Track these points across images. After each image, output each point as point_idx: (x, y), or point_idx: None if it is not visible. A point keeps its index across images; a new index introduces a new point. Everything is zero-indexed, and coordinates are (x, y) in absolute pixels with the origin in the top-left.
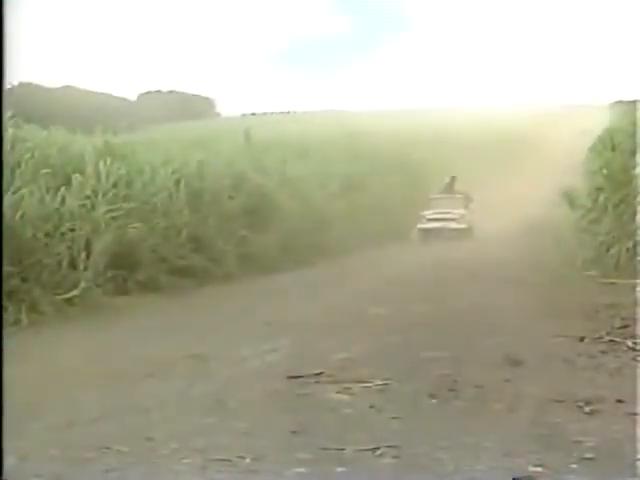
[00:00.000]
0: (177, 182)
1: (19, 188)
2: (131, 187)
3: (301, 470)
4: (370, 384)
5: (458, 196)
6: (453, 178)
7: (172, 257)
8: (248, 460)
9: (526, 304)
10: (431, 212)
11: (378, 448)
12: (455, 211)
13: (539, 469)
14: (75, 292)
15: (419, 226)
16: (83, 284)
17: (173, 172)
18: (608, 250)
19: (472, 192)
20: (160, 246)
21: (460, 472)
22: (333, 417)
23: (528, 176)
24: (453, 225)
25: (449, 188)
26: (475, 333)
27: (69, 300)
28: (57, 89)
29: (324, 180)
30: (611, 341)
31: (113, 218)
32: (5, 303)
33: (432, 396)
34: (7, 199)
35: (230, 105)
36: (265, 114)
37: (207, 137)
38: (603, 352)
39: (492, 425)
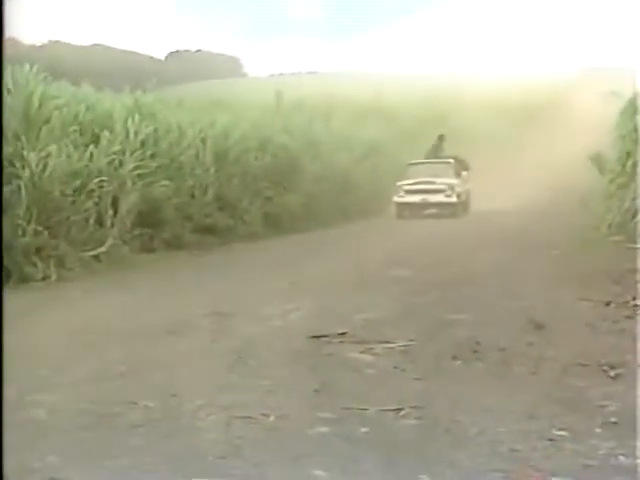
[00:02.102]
0: (203, 141)
1: (47, 145)
2: (158, 145)
3: (324, 429)
4: (393, 345)
5: (448, 161)
6: (441, 137)
7: (197, 215)
8: (272, 418)
9: (551, 268)
10: (410, 182)
11: (401, 409)
12: (442, 180)
13: (563, 433)
14: (102, 249)
15: (395, 199)
16: (110, 241)
17: (200, 131)
18: (634, 216)
19: (494, 157)
20: (186, 204)
21: (483, 434)
22: (356, 377)
23: (557, 140)
24: (439, 198)
25: (436, 151)
26: (499, 297)
27: (96, 257)
28: (86, 47)
29: (349, 142)
30: (636, 306)
31: (140, 176)
32: (34, 259)
33: (455, 358)
34: (35, 155)
35: (257, 65)
36: (292, 74)
37: (234, 97)
38: (628, 317)
39: (515, 388)
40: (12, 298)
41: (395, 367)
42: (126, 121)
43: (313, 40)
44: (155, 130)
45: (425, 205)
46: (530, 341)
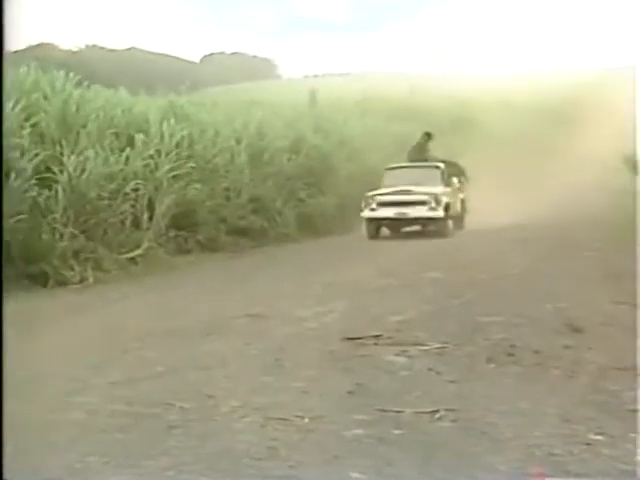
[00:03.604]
0: (238, 142)
1: (85, 149)
2: (193, 147)
3: (359, 431)
4: (428, 347)
5: (435, 165)
6: (427, 136)
7: (232, 217)
8: (306, 420)
9: (585, 269)
10: (385, 191)
11: (436, 411)
12: (423, 189)
13: (599, 437)
14: (138, 251)
15: (364, 214)
16: (146, 243)
17: (234, 133)
18: None
19: (520, 156)
20: (220, 206)
21: (519, 438)
22: (391, 379)
23: (586, 140)
24: (420, 212)
25: (420, 151)
26: (534, 298)
27: (132, 259)
28: (122, 51)
29: (382, 141)
30: None
31: (175, 178)
32: (71, 262)
33: (490, 360)
34: (73, 159)
35: (291, 66)
36: (326, 75)
37: (268, 98)
38: None
39: (551, 391)
40: (50, 301)
41: (430, 369)
42: (161, 124)
43: (346, 41)
44: (190, 132)
45: (403, 221)
46: (566, 344)
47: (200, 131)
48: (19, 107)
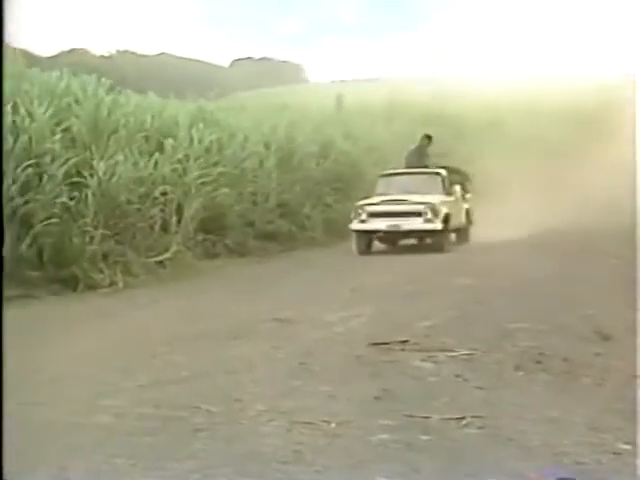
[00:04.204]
0: (267, 147)
1: (115, 153)
2: (222, 152)
3: (385, 437)
4: (455, 353)
5: (435, 172)
6: (427, 139)
7: (260, 222)
8: (333, 425)
9: (612, 277)
10: (377, 200)
11: (463, 418)
12: (419, 198)
13: (628, 446)
14: (167, 255)
15: (353, 226)
16: (174, 247)
17: (263, 137)
18: None
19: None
20: (248, 211)
21: (547, 446)
22: (418, 385)
23: (617, 144)
24: (415, 224)
25: (419, 156)
26: (560, 306)
27: (161, 263)
28: (153, 56)
29: (405, 145)
30: None
31: (203, 183)
32: (101, 265)
33: (518, 368)
34: (103, 164)
35: (319, 71)
36: (353, 80)
37: (296, 103)
38: None
39: (579, 399)
40: (80, 305)
41: (457, 375)
42: (190, 128)
43: (374, 46)
44: (219, 137)
45: (397, 234)
46: (595, 351)
47: (229, 136)
48: (50, 112)
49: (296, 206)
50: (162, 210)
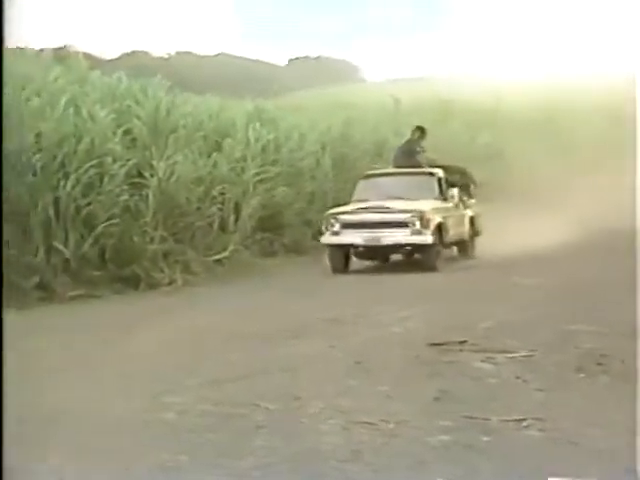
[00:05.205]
0: (323, 147)
1: (174, 153)
2: (279, 151)
3: (445, 438)
4: (515, 354)
5: (429, 172)
6: (419, 132)
7: (317, 221)
8: (391, 425)
9: None
10: (353, 208)
11: (524, 420)
12: (404, 205)
13: None
14: (225, 254)
15: (325, 239)
16: (232, 246)
17: (320, 136)
18: None
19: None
20: (305, 210)
21: (610, 449)
22: (477, 386)
23: None
24: (398, 236)
25: (408, 153)
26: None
27: (219, 261)
28: (211, 57)
29: (466, 147)
30: None
31: (261, 181)
32: (161, 264)
33: (579, 370)
34: (163, 163)
35: (375, 70)
36: (409, 79)
37: (352, 102)
38: None
39: None
40: (141, 303)
41: (517, 377)
42: (247, 128)
43: (430, 45)
44: (276, 136)
45: (378, 249)
46: None
47: (286, 135)
48: (112, 114)
49: None
50: (220, 209)
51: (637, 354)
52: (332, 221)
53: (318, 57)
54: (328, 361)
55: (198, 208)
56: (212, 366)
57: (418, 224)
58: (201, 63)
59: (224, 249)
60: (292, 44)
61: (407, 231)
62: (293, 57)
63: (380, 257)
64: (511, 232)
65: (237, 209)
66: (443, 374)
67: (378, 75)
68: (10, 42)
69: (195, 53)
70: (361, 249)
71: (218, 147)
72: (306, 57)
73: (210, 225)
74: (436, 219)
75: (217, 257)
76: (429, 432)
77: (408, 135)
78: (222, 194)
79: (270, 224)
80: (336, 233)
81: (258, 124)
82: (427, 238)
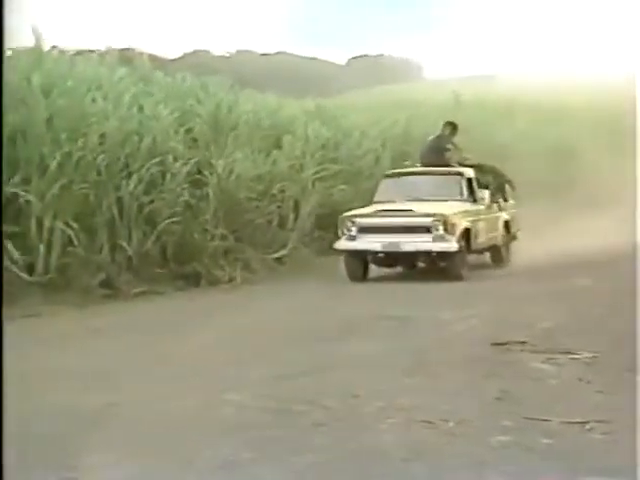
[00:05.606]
0: (383, 145)
1: (234, 151)
2: (338, 149)
3: (505, 438)
4: (577, 356)
5: (456, 171)
6: (450, 127)
7: None
8: (451, 424)
9: None
10: (371, 210)
11: (587, 422)
12: (429, 208)
13: None
14: (284, 252)
15: (339, 244)
16: (291, 244)
17: (381, 134)
18: None
19: None
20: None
21: None
22: (538, 387)
23: None
24: (419, 243)
25: (437, 150)
26: None
27: (278, 259)
28: (271, 55)
29: (531, 146)
30: None
31: (320, 180)
32: (221, 262)
33: None
34: (222, 162)
35: (437, 68)
36: (472, 77)
37: (413, 100)
38: None
39: None
40: (202, 299)
41: (579, 379)
42: (307, 126)
43: (491, 44)
44: (335, 134)
45: (398, 256)
46: None
47: (345, 133)
48: (174, 113)
49: None
50: (279, 207)
51: None
52: (348, 224)
53: (379, 55)
54: (388, 359)
55: (257, 206)
56: (272, 363)
57: (441, 229)
58: (261, 61)
59: (283, 247)
60: (353, 42)
61: (429, 236)
62: (353, 55)
63: (402, 264)
64: (573, 233)
65: (296, 207)
66: (503, 374)
67: (440, 73)
68: (75, 44)
69: (255, 51)
70: (380, 255)
71: (277, 145)
72: (366, 55)
73: (269, 223)
74: (462, 223)
75: (276, 255)
76: (489, 432)
77: (470, 132)
78: (281, 192)
79: (329, 222)
80: (352, 238)
81: (318, 122)
82: (451, 245)
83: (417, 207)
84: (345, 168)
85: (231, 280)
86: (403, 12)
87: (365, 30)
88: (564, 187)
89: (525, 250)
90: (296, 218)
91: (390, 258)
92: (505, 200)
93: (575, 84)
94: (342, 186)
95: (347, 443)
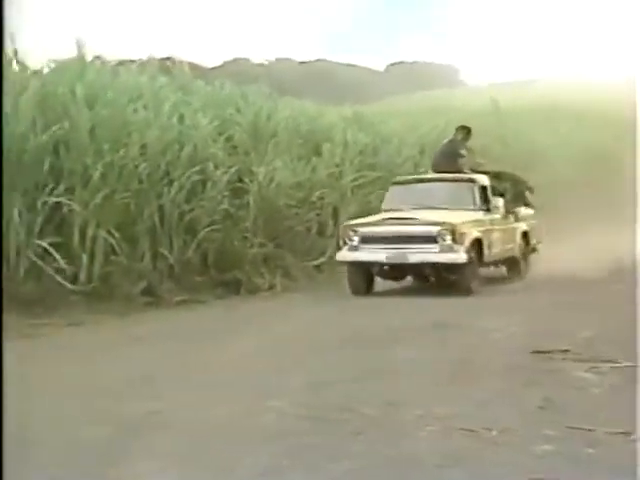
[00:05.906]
0: (422, 151)
1: (274, 159)
2: (377, 155)
3: (548, 447)
4: (619, 365)
5: (468, 178)
6: (464, 132)
7: None
8: (494, 432)
9: None
10: (375, 219)
11: (631, 433)
12: (436, 217)
13: None
14: (323, 259)
15: (340, 255)
16: (330, 251)
17: (419, 140)
18: None
19: None
20: None
21: None
22: (581, 396)
23: None
24: (424, 254)
25: (450, 156)
26: None
27: (317, 267)
28: (310, 62)
29: (569, 151)
30: None
31: (359, 187)
32: (261, 269)
33: None
34: (263, 169)
35: (476, 74)
36: (511, 83)
37: (453, 106)
38: None
39: None
40: (244, 307)
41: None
42: (345, 133)
43: (531, 49)
44: (373, 140)
45: (404, 267)
46: None
47: (384, 139)
48: (214, 122)
49: None
50: (318, 214)
51: None
52: (350, 234)
53: (415, 62)
54: (427, 366)
55: (296, 213)
56: (311, 371)
57: (449, 239)
58: (300, 69)
59: (322, 254)
60: (390, 49)
61: (434, 247)
62: (390, 62)
63: (411, 276)
64: (606, 239)
65: (335, 214)
66: (545, 383)
67: (479, 79)
68: (117, 54)
69: (294, 59)
70: (386, 267)
71: (316, 152)
72: (404, 62)
73: (308, 230)
74: (472, 233)
75: (315, 262)
76: (532, 441)
77: (512, 140)
78: (320, 199)
79: None
80: (355, 248)
81: (356, 128)
82: (459, 256)
83: (424, 215)
84: (384, 175)
85: (271, 287)
86: (440, 19)
87: (403, 36)
88: (600, 191)
89: (557, 257)
90: (335, 225)
91: (396, 270)
92: (526, 205)
93: (616, 90)
94: (381, 192)
95: (385, 450)
